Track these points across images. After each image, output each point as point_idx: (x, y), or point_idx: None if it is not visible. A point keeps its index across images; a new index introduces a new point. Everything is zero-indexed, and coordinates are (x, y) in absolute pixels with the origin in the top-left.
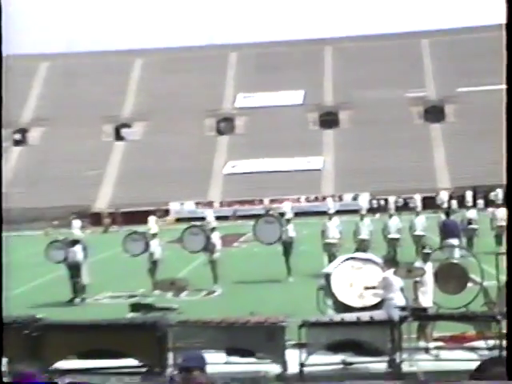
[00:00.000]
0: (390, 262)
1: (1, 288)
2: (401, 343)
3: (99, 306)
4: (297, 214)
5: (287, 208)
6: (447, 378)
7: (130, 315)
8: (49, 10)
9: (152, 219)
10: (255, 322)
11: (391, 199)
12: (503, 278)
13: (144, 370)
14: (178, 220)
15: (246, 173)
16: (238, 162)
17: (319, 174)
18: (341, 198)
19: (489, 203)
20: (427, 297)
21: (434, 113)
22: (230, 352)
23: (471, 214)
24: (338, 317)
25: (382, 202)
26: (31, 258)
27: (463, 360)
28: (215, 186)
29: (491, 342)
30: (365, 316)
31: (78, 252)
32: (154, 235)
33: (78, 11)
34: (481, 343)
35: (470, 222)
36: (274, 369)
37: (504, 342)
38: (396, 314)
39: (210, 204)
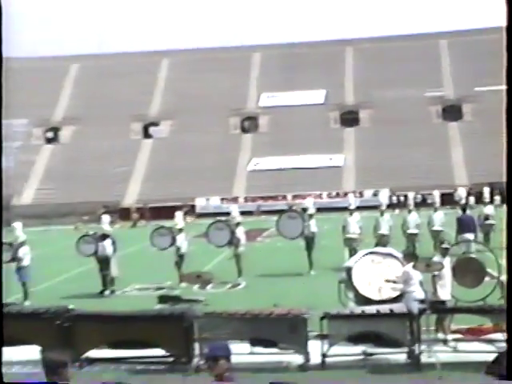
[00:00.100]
0: (410, 256)
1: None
2: (419, 335)
3: (128, 298)
4: (319, 210)
5: (309, 204)
6: (465, 370)
7: (158, 307)
8: (80, 13)
9: (178, 214)
10: (278, 314)
11: (410, 195)
12: None
13: (171, 359)
14: (203, 215)
15: (270, 169)
16: (262, 159)
17: (340, 171)
18: (361, 194)
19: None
20: (445, 290)
21: (452, 112)
22: (254, 343)
23: (488, 209)
24: (358, 309)
25: (402, 198)
26: (63, 252)
27: (480, 352)
28: (240, 183)
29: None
30: (385, 308)
31: (107, 246)
32: (181, 230)
33: (108, 13)
34: (498, 335)
35: (487, 217)
36: (296, 359)
37: None
38: (415, 307)
39: (234, 200)
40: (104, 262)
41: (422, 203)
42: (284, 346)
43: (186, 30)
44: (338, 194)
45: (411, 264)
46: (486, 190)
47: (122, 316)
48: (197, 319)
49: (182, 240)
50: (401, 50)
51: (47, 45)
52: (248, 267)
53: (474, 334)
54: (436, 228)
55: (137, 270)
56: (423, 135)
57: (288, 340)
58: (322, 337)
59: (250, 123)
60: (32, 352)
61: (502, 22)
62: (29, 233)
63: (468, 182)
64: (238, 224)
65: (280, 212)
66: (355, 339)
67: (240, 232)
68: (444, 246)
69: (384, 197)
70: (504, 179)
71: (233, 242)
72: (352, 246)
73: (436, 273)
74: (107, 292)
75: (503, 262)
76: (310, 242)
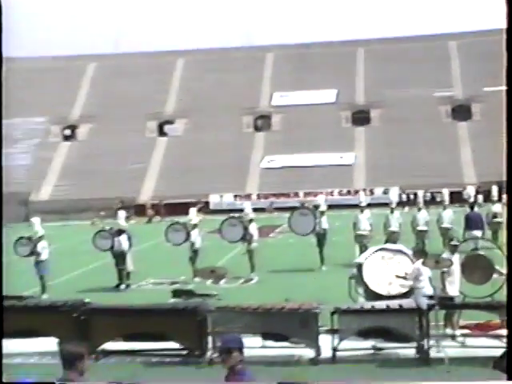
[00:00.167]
0: (419, 253)
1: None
2: (428, 330)
3: (143, 292)
4: (330, 207)
5: (321, 201)
6: (472, 364)
7: (172, 301)
8: (97, 14)
9: (193, 211)
10: (290, 309)
11: (420, 193)
12: None
13: (184, 352)
14: (217, 212)
15: (282, 167)
16: (275, 156)
17: (351, 169)
18: (372, 192)
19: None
20: (454, 286)
21: (461, 111)
22: (266, 336)
23: (496, 207)
24: (368, 304)
25: (411, 196)
26: (80, 246)
27: (488, 347)
28: (253, 180)
29: None
30: (394, 304)
31: (123, 241)
32: (195, 226)
33: (124, 14)
34: (505, 331)
35: (495, 215)
36: (307, 353)
37: None
38: (424, 303)
39: (247, 197)
40: (120, 257)
41: (432, 201)
42: (295, 340)
43: (201, 30)
44: (348, 192)
45: (420, 260)
46: (495, 189)
47: (138, 309)
48: (210, 313)
49: (196, 235)
50: (411, 50)
51: (65, 45)
52: (260, 263)
53: (481, 329)
54: (445, 225)
55: (152, 264)
56: (433, 134)
57: (299, 334)
58: (332, 331)
59: (262, 122)
60: (50, 344)
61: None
62: (47, 228)
63: (477, 181)
64: (250, 220)
65: (292, 209)
66: (365, 334)
67: (253, 228)
68: (453, 243)
69: (394, 194)
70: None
71: (246, 237)
72: (362, 243)
73: (445, 269)
74: (123, 286)
75: None
76: (321, 238)
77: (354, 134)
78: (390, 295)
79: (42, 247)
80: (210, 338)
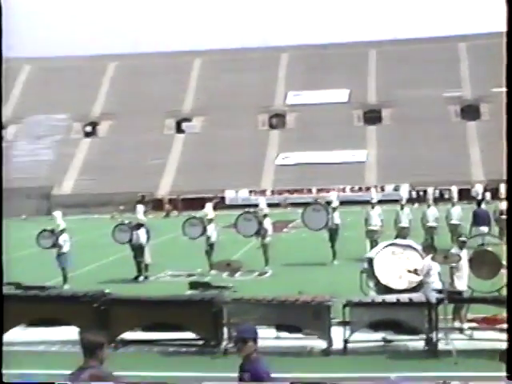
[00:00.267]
0: (428, 248)
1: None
2: (437, 323)
3: (161, 284)
4: (342, 203)
5: (333, 197)
6: (479, 357)
7: (189, 292)
8: (117, 15)
9: (209, 205)
10: (303, 301)
11: (429, 190)
12: None
13: (200, 342)
14: (232, 207)
15: (296, 164)
16: (289, 154)
17: (363, 166)
18: (383, 189)
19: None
20: (462, 281)
21: (470, 111)
22: (280, 328)
23: (504, 205)
24: (379, 298)
25: (421, 193)
26: (100, 239)
27: (495, 340)
28: (267, 176)
29: None
30: (404, 297)
31: (141, 234)
32: (211, 220)
33: (143, 15)
34: (507, 330)
35: (502, 212)
36: (319, 344)
37: None
38: (433, 297)
39: (262, 192)
40: (138, 250)
41: (440, 198)
42: (308, 332)
43: (218, 31)
44: (360, 189)
45: (430, 256)
46: (502, 187)
47: (155, 301)
48: (226, 305)
49: (212, 230)
50: (421, 52)
51: (86, 45)
52: (274, 256)
53: (489, 323)
54: (454, 222)
55: (169, 257)
56: (442, 133)
57: (312, 326)
58: (344, 323)
59: (277, 120)
60: (71, 332)
61: None
62: (68, 221)
63: (485, 179)
64: (265, 215)
65: (305, 205)
66: (376, 326)
67: (267, 223)
68: (462, 239)
69: (404, 191)
70: None
71: (260, 232)
72: (373, 238)
73: (453, 264)
74: (141, 278)
75: None
76: (333, 233)
77: (366, 132)
78: (400, 289)
79: (64, 240)
80: (225, 329)
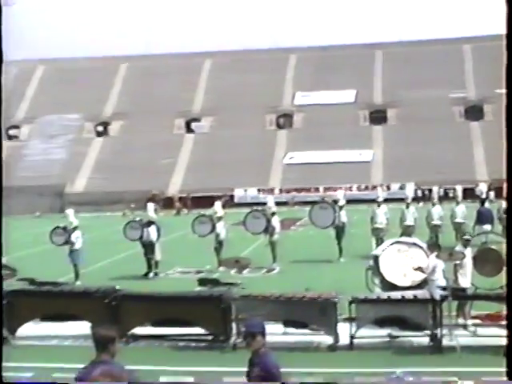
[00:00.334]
0: (433, 246)
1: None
2: (441, 320)
3: (170, 280)
4: (348, 201)
5: (340, 195)
6: (483, 353)
7: (198, 289)
8: (128, 17)
9: (218, 204)
10: (310, 298)
11: (434, 189)
12: None
13: (210, 338)
14: (241, 205)
15: (303, 163)
16: (296, 153)
17: (369, 166)
18: (388, 188)
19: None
20: (466, 278)
21: (474, 112)
22: (287, 324)
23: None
24: (384, 294)
25: (426, 192)
26: (111, 236)
27: (498, 336)
28: (275, 175)
29: None
30: (409, 294)
31: (152, 232)
32: (220, 218)
33: (155, 17)
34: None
35: (505, 211)
36: (326, 340)
37: None
38: (438, 294)
39: (270, 191)
40: (149, 247)
41: (445, 197)
42: (315, 328)
43: (227, 33)
44: (366, 187)
45: (435, 253)
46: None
47: (165, 297)
48: (234, 301)
49: (221, 227)
50: (427, 53)
51: (98, 46)
52: (282, 254)
53: (492, 319)
54: (458, 220)
55: (179, 254)
56: (447, 133)
57: (319, 322)
58: (350, 319)
59: (285, 120)
60: (83, 327)
61: None
62: (81, 218)
63: (488, 178)
64: (273, 213)
65: (312, 203)
66: (381, 322)
67: (275, 221)
68: (466, 237)
69: (410, 190)
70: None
71: (268, 230)
72: (379, 236)
73: (458, 262)
74: (151, 274)
75: None
76: (340, 231)
77: (372, 132)
78: (405, 286)
79: (76, 237)
80: (233, 325)
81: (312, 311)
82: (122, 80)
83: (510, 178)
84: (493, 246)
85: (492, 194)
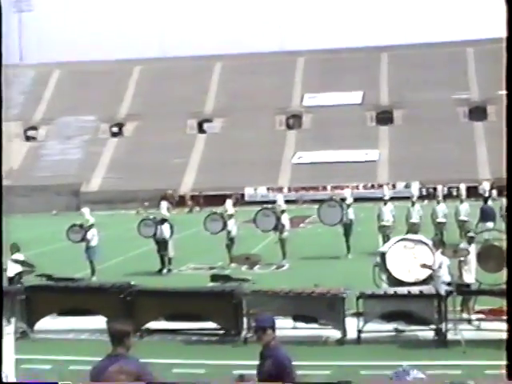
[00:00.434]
0: (438, 243)
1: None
2: (446, 314)
3: (183, 276)
4: (356, 200)
5: (347, 194)
6: (486, 346)
7: (210, 284)
8: (142, 21)
9: (229, 202)
10: (319, 293)
11: (439, 188)
12: None
13: (221, 332)
14: (251, 203)
15: (312, 163)
16: (305, 153)
17: (375, 165)
18: (394, 186)
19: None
20: (470, 274)
21: (477, 112)
22: (297, 318)
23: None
24: (391, 290)
25: (431, 190)
26: (126, 234)
27: (501, 331)
28: (284, 174)
29: None
30: (415, 290)
31: (165, 229)
32: (231, 216)
33: (168, 21)
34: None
35: None
36: (334, 334)
37: None
38: (443, 289)
39: (279, 189)
40: (162, 244)
41: (449, 195)
42: (323, 322)
43: (238, 37)
44: (373, 186)
45: (440, 250)
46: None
47: (178, 292)
48: (245, 296)
49: (232, 225)
50: (431, 56)
51: (112, 49)
52: (291, 250)
53: (495, 314)
54: (462, 218)
55: (191, 251)
56: (451, 133)
57: (327, 317)
58: (357, 314)
59: (294, 121)
60: (99, 321)
61: None
62: (96, 216)
63: (491, 177)
64: (282, 211)
65: (321, 201)
66: (388, 317)
67: (285, 218)
68: (470, 234)
69: (415, 189)
70: None
71: (278, 227)
72: (386, 233)
73: (462, 258)
74: (165, 270)
75: None
76: (347, 228)
77: (378, 132)
78: (412, 282)
79: (92, 234)
80: (245, 319)
81: (321, 306)
82: (136, 82)
83: (510, 177)
84: (496, 243)
85: (495, 192)
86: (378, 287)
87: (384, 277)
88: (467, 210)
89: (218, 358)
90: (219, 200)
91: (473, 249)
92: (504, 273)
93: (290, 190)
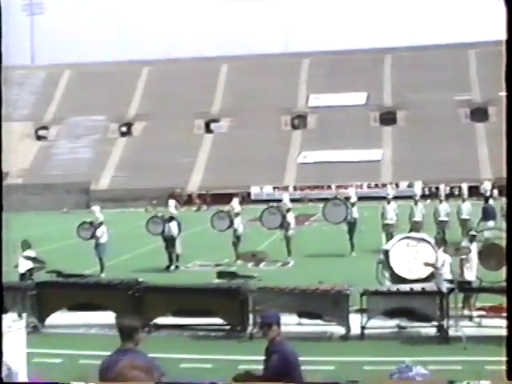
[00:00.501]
0: (440, 241)
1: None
2: (448, 311)
3: (190, 273)
4: (360, 199)
5: (352, 193)
6: (487, 343)
7: (217, 281)
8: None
9: (236, 200)
10: (323, 290)
11: (441, 187)
12: None
13: (228, 328)
14: (257, 202)
15: (317, 162)
16: (310, 153)
17: (379, 165)
18: (397, 185)
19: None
20: (471, 272)
21: (479, 113)
22: (301, 315)
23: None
24: (394, 287)
25: (433, 190)
26: (134, 231)
27: (501, 327)
28: (290, 173)
29: None
30: (417, 287)
31: (173, 227)
32: (238, 214)
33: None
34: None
35: None
36: (338, 330)
37: None
38: (444, 286)
39: (285, 188)
40: (170, 241)
41: (451, 195)
42: (328, 319)
43: (244, 38)
44: (376, 185)
45: (442, 248)
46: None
47: (186, 288)
48: (251, 293)
49: (238, 223)
50: (434, 58)
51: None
52: (297, 248)
53: (496, 311)
54: (464, 217)
55: (198, 248)
56: (453, 134)
57: (331, 313)
58: (361, 311)
59: (299, 121)
60: (108, 317)
61: None
62: (105, 214)
63: (492, 177)
64: (288, 210)
65: (325, 200)
66: (391, 314)
67: (290, 217)
68: (471, 233)
69: (418, 188)
70: None
71: (284, 225)
72: (389, 231)
73: (464, 256)
74: (172, 267)
75: None
76: (351, 226)
77: (382, 133)
78: (414, 279)
79: (102, 232)
80: (250, 315)
81: (325, 303)
82: (145, 83)
83: (510, 176)
84: (496, 242)
85: (496, 191)
86: (381, 284)
87: (387, 274)
88: (469, 208)
89: (224, 353)
90: (226, 198)
91: (474, 247)
92: (504, 270)
93: (295, 188)
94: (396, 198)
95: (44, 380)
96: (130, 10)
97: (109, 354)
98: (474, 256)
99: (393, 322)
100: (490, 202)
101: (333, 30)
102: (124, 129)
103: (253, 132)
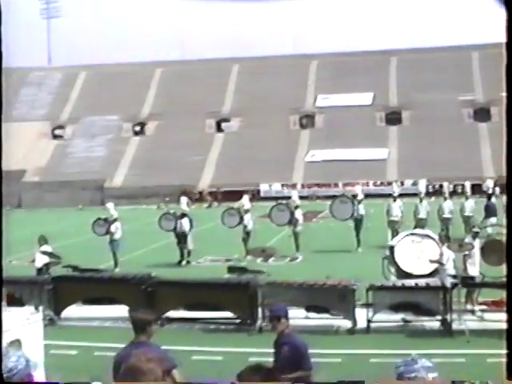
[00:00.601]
0: (444, 238)
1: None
2: (451, 306)
3: (201, 268)
4: (366, 196)
5: (358, 190)
6: (489, 336)
7: (227, 276)
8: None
9: (245, 197)
10: (330, 285)
11: (445, 185)
12: None
13: (237, 321)
14: (267, 199)
15: (324, 161)
16: (318, 151)
17: (385, 163)
18: (402, 183)
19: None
20: (474, 267)
21: (482, 114)
22: (309, 309)
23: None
24: (399, 282)
25: (437, 188)
26: (147, 227)
27: (503, 321)
28: (298, 171)
29: None
30: (422, 282)
31: (185, 223)
32: (247, 211)
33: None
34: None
35: None
36: (345, 324)
37: None
38: (448, 281)
39: (293, 186)
40: (182, 237)
41: (455, 192)
42: (335, 313)
43: (254, 40)
44: (382, 183)
45: (446, 244)
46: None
47: (197, 283)
48: (260, 288)
49: (248, 219)
50: (438, 59)
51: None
52: (305, 244)
53: (498, 305)
54: (467, 214)
55: (209, 244)
56: (456, 133)
57: (338, 307)
58: (367, 305)
59: (307, 120)
60: (122, 310)
61: None
62: (119, 211)
63: (495, 175)
64: (296, 207)
65: (333, 197)
66: (396, 308)
67: (298, 213)
68: (474, 229)
69: (422, 186)
70: None
71: (292, 221)
72: (394, 228)
73: (467, 252)
74: (184, 262)
75: None
76: (358, 223)
77: (388, 132)
78: (419, 274)
79: (116, 228)
80: (260, 309)
81: (332, 297)
82: (158, 83)
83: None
84: (498, 238)
85: (498, 189)
86: (386, 279)
87: (393, 269)
88: (472, 206)
89: (234, 345)
90: (236, 196)
91: (477, 243)
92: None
93: (303, 186)
94: (401, 195)
95: (61, 371)
96: (143, 13)
97: (123, 346)
98: (476, 252)
99: (398, 316)
100: (493, 199)
101: (340, 32)
102: (137, 128)
103: (262, 131)
